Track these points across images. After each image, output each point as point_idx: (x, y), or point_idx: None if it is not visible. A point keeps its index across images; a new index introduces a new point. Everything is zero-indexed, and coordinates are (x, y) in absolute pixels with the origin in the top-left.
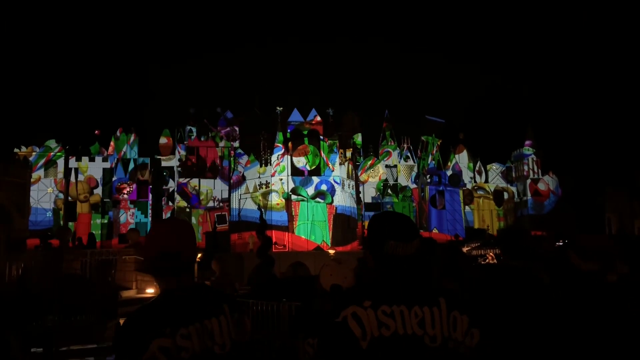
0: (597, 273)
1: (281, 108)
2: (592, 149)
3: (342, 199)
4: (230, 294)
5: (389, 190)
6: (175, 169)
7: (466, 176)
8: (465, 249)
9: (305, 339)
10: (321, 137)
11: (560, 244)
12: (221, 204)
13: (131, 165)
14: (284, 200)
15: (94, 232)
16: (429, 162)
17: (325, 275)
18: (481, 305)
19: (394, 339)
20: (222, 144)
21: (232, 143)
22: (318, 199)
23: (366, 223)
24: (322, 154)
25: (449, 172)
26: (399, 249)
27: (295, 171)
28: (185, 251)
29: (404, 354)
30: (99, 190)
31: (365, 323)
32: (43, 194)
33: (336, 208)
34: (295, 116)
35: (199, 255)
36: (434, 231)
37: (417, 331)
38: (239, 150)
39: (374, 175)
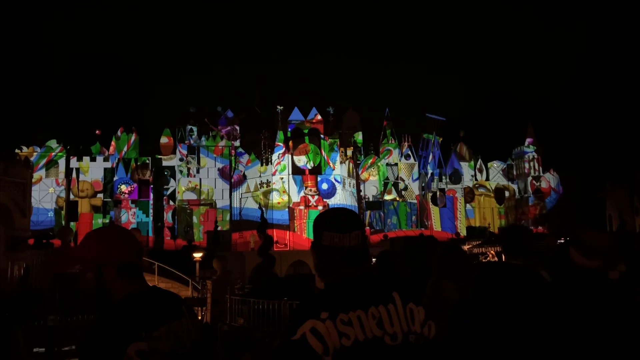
0: (599, 270)
1: (282, 107)
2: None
3: (343, 198)
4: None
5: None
6: (176, 168)
7: (467, 174)
8: (466, 247)
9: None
10: (322, 135)
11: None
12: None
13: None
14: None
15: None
16: (429, 160)
17: (317, 279)
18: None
19: (355, 347)
20: (222, 143)
21: (232, 142)
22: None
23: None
24: (323, 153)
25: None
26: (336, 240)
27: (296, 170)
28: (140, 257)
29: (366, 359)
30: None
31: (325, 337)
32: (44, 194)
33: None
34: (296, 115)
35: (201, 254)
36: (435, 229)
37: (377, 332)
38: (240, 149)
39: (375, 174)
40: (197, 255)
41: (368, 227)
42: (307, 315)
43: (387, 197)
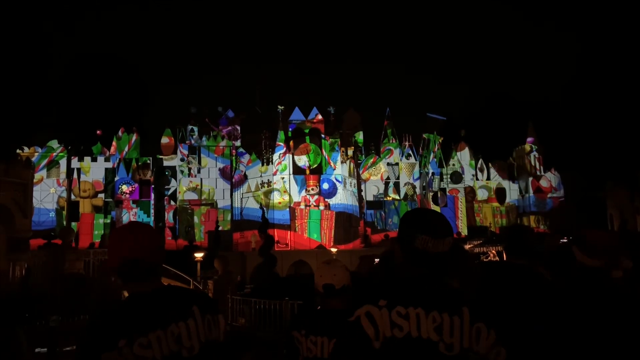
0: (602, 269)
1: (282, 107)
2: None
3: (344, 197)
4: (205, 294)
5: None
6: (177, 168)
7: (468, 173)
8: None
9: (308, 336)
10: (323, 135)
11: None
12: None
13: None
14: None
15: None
16: (430, 159)
17: (316, 278)
18: (509, 321)
19: (406, 341)
20: (223, 143)
21: (233, 142)
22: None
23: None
24: (324, 153)
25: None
26: (430, 245)
27: (297, 170)
28: (146, 257)
29: (416, 357)
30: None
31: (378, 323)
32: (46, 194)
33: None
34: (297, 115)
35: (202, 254)
36: None
37: (433, 336)
38: (241, 149)
39: (376, 174)
40: (199, 255)
41: (369, 227)
42: (366, 300)
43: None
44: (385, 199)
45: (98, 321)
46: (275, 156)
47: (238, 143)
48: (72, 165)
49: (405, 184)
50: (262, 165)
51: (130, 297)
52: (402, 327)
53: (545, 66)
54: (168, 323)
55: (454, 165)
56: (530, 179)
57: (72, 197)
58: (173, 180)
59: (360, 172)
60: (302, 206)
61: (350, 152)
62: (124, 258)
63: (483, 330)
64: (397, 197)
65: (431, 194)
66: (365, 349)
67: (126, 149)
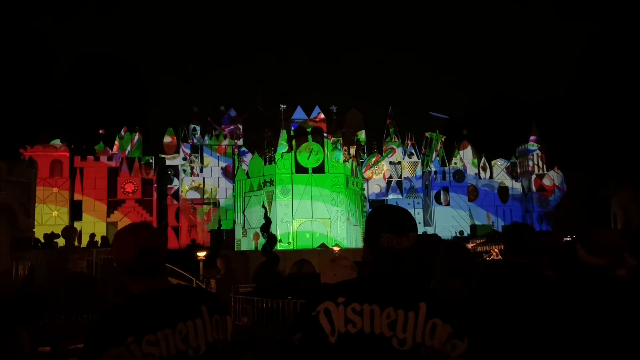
0: (606, 268)
1: (284, 106)
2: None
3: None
4: (213, 294)
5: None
6: (179, 167)
7: (471, 172)
8: (470, 245)
9: (294, 333)
10: (325, 134)
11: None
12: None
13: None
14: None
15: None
16: (432, 158)
17: (322, 275)
18: (470, 315)
19: (359, 336)
20: (225, 142)
21: (235, 141)
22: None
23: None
24: (326, 151)
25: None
26: (394, 242)
27: (299, 169)
28: (159, 247)
29: (369, 352)
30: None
31: (334, 319)
32: (48, 194)
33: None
34: (299, 114)
35: (204, 253)
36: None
37: (386, 332)
38: (243, 148)
39: (378, 172)
40: (201, 254)
41: None
42: (327, 297)
43: (391, 196)
44: (387, 198)
45: (107, 316)
46: (278, 155)
47: (240, 142)
48: (75, 165)
49: (407, 181)
50: (265, 164)
51: (139, 295)
52: (355, 323)
53: (549, 64)
54: (176, 322)
55: (456, 164)
56: (533, 177)
57: (75, 196)
58: (175, 179)
59: (363, 170)
60: None
61: (352, 150)
62: (138, 247)
63: (439, 325)
64: (400, 196)
65: (433, 192)
66: (323, 344)
67: (129, 148)
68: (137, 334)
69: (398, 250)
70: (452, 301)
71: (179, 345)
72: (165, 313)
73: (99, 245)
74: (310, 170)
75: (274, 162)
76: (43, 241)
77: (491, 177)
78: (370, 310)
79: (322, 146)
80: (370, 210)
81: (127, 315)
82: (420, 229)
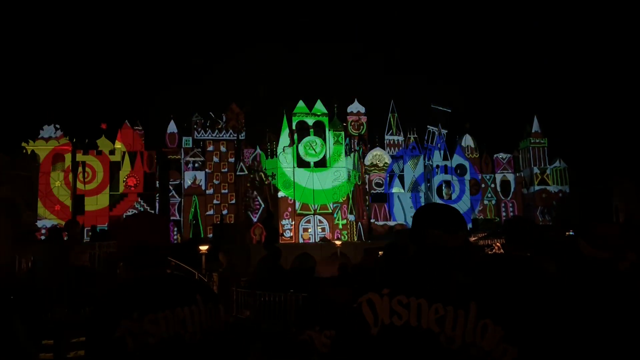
0: (608, 261)
1: (287, 99)
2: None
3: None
4: (207, 283)
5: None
6: (182, 161)
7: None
8: (472, 239)
9: (322, 331)
10: (327, 128)
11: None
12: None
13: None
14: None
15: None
16: (435, 152)
17: (317, 268)
18: (519, 319)
19: (404, 329)
20: (228, 135)
21: (238, 135)
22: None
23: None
24: (328, 145)
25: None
26: (442, 240)
27: (301, 163)
28: (157, 242)
29: (414, 346)
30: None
31: (378, 310)
32: (51, 188)
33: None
34: (301, 107)
35: (207, 247)
36: None
37: (434, 328)
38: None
39: (380, 166)
40: (203, 248)
41: (373, 220)
42: (370, 288)
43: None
44: (389, 192)
45: (114, 293)
46: (280, 149)
47: (243, 136)
48: (77, 159)
49: (409, 175)
50: (267, 158)
51: (140, 278)
52: (401, 315)
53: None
54: (174, 306)
55: (458, 157)
56: (535, 171)
57: (77, 190)
58: (177, 173)
59: (365, 164)
60: None
61: (354, 145)
62: (134, 244)
63: (490, 326)
64: (401, 190)
65: (435, 186)
66: (363, 335)
67: (131, 142)
68: (140, 310)
69: (446, 249)
70: (503, 302)
71: (177, 328)
72: (164, 296)
73: (101, 238)
74: (312, 164)
75: (276, 156)
76: (46, 235)
77: (493, 171)
78: (418, 303)
79: (324, 140)
80: (420, 206)
81: (130, 292)
82: None
